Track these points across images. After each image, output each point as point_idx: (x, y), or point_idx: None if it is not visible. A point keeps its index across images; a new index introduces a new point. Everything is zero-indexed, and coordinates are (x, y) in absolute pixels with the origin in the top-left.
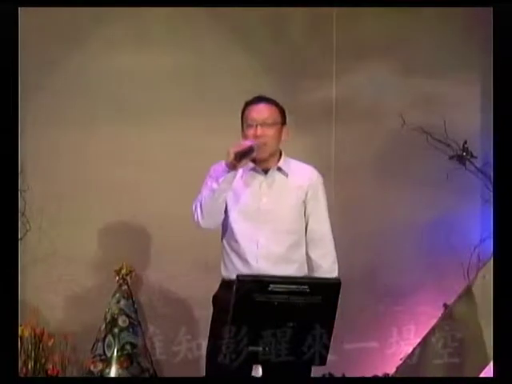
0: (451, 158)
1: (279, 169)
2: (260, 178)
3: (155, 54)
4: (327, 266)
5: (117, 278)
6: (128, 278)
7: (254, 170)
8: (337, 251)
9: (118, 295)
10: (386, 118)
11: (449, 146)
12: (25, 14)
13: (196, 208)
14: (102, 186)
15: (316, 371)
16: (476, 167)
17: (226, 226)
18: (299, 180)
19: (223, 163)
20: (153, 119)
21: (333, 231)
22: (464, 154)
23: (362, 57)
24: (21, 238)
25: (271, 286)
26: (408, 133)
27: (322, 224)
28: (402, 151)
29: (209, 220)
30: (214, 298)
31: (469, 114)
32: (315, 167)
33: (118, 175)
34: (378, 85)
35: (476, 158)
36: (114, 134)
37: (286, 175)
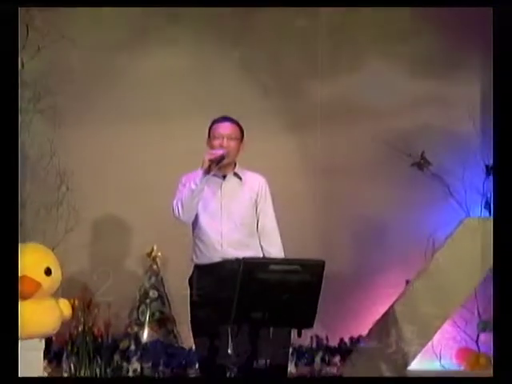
0: (412, 165)
1: (235, 174)
2: (219, 181)
3: (177, 56)
4: (275, 253)
5: (148, 259)
6: (157, 259)
7: (214, 175)
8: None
9: (149, 273)
10: (375, 120)
11: (410, 155)
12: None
13: (177, 205)
14: (131, 185)
15: (304, 334)
16: (432, 173)
17: (194, 222)
18: (251, 183)
19: (198, 170)
20: (175, 120)
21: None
22: (422, 161)
23: (361, 58)
24: (71, 230)
25: (270, 266)
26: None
27: (269, 219)
28: (376, 157)
29: (187, 214)
30: (190, 280)
31: (468, 114)
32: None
33: (148, 173)
34: (378, 86)
35: (432, 164)
36: (142, 133)
37: (241, 179)
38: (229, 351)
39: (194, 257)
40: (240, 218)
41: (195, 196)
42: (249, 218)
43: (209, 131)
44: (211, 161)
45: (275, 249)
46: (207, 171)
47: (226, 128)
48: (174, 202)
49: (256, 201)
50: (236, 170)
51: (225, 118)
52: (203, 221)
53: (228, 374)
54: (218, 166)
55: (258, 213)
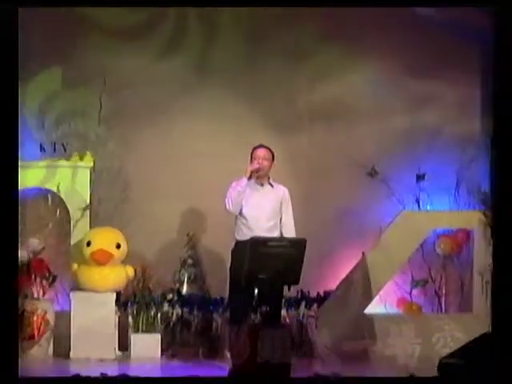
0: (367, 174)
1: (269, 183)
2: (258, 187)
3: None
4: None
5: (187, 238)
6: (193, 238)
7: (255, 183)
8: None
9: (187, 247)
10: (359, 123)
11: (364, 166)
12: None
13: (228, 201)
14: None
15: (293, 288)
16: (381, 179)
17: (239, 212)
18: (278, 191)
19: (243, 178)
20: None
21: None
22: (372, 171)
23: (360, 57)
24: (133, 218)
25: (269, 242)
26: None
27: (289, 216)
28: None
29: (234, 208)
30: (232, 252)
31: (468, 115)
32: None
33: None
34: (376, 86)
35: (378, 173)
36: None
37: (272, 187)
38: (253, 303)
39: (236, 234)
40: (269, 213)
41: (240, 195)
42: (275, 214)
43: (251, 154)
44: (251, 171)
45: (289, 235)
46: (249, 178)
47: (261, 152)
48: (226, 199)
49: (281, 203)
50: (269, 181)
51: (261, 146)
52: (245, 212)
53: (252, 316)
54: (256, 176)
55: (282, 211)
